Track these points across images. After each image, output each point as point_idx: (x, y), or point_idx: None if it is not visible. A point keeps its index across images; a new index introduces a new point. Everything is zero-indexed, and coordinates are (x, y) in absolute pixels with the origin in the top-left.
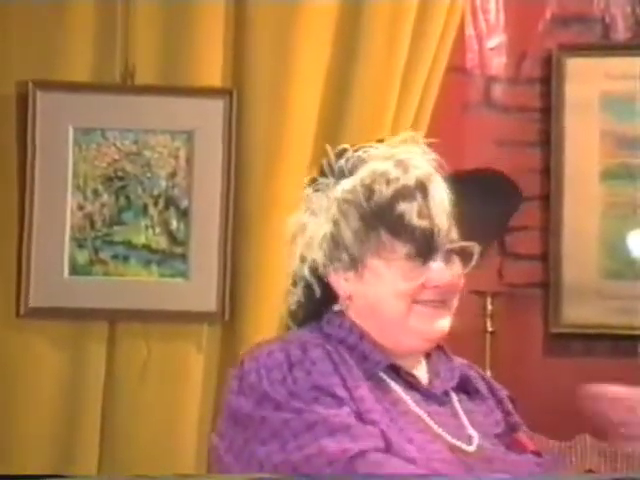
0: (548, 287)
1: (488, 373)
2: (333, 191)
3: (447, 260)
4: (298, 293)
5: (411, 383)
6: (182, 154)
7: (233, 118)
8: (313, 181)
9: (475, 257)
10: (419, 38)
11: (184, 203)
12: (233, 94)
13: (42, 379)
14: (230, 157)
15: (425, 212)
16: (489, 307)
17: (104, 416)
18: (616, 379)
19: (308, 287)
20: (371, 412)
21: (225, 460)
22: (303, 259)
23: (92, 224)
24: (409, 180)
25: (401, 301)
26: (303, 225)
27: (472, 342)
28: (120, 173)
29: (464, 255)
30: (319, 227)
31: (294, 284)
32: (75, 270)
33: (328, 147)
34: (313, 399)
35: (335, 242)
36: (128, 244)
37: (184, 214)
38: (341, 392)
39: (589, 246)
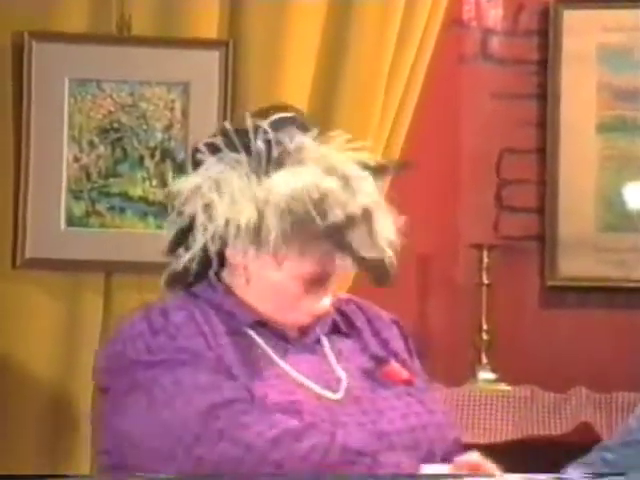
0: (544, 240)
1: (484, 326)
2: (255, 179)
3: None
4: (191, 257)
5: (280, 336)
6: (178, 106)
7: (229, 70)
8: (216, 149)
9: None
10: None
11: (180, 155)
12: (229, 46)
13: (38, 330)
14: (226, 109)
15: (368, 242)
16: (485, 260)
17: None
18: (612, 331)
19: (203, 253)
20: (233, 368)
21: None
22: (204, 227)
23: (88, 176)
24: (356, 207)
25: (299, 283)
26: (202, 194)
27: (468, 295)
28: (116, 125)
29: None
30: (234, 208)
31: (186, 248)
32: (71, 222)
33: (248, 116)
34: (180, 360)
35: (256, 231)
36: (125, 196)
37: (180, 166)
38: (206, 352)
39: (585, 199)
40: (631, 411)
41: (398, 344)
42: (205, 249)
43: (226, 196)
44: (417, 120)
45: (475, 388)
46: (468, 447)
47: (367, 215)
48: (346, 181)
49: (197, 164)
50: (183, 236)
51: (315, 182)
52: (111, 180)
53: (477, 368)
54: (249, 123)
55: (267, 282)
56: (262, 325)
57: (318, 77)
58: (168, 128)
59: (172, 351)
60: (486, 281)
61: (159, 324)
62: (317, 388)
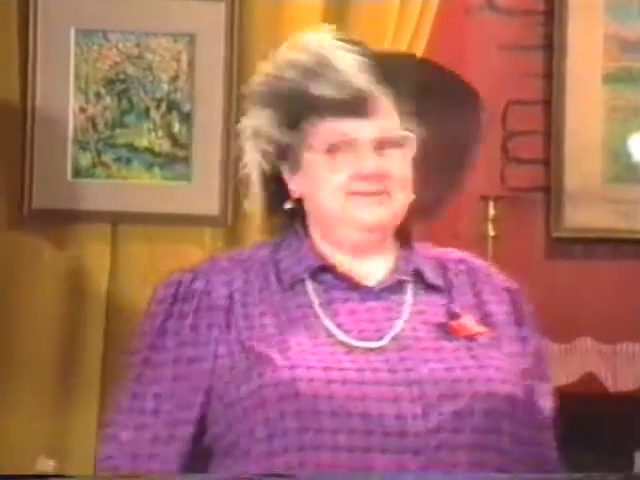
0: (550, 191)
1: None
2: None
3: (378, 148)
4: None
5: (347, 282)
6: (184, 57)
7: (235, 21)
8: (265, 76)
9: (413, 145)
10: None
11: (186, 106)
12: None
13: (45, 280)
14: (232, 60)
15: (333, 82)
16: (491, 211)
17: (108, 318)
18: (617, 282)
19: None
20: (252, 339)
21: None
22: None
23: (94, 127)
24: (309, 59)
25: (337, 195)
26: (258, 126)
27: (474, 246)
28: (122, 76)
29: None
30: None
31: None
32: (78, 173)
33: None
34: (177, 342)
35: (270, 138)
36: (131, 147)
37: (186, 117)
38: (215, 333)
39: (591, 150)
40: (636, 361)
41: (499, 308)
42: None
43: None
44: None
45: None
46: None
47: (322, 60)
48: (303, 47)
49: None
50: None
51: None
52: (117, 131)
53: None
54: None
55: (314, 201)
56: (330, 271)
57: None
58: (174, 79)
59: (180, 329)
60: (492, 232)
61: (183, 290)
62: (348, 339)
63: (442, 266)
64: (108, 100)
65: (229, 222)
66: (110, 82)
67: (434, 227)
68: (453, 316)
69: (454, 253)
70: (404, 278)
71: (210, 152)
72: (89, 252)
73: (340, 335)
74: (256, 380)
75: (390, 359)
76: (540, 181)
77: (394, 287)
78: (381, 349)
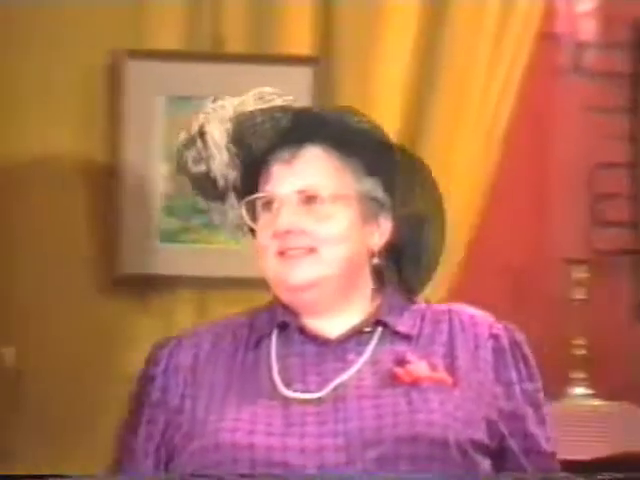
0: (638, 254)
1: (579, 341)
2: None
3: (303, 205)
4: None
5: (311, 337)
6: None
7: (321, 86)
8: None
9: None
10: (508, 3)
11: None
12: (321, 62)
13: (134, 345)
14: None
15: (202, 156)
16: (578, 275)
17: None
18: None
19: None
20: (200, 397)
21: None
22: None
23: (182, 192)
24: (194, 130)
25: (266, 256)
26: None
27: (562, 309)
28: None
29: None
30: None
31: None
32: (166, 238)
33: None
34: (149, 404)
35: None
36: None
37: None
38: (180, 389)
39: None
40: None
41: (474, 354)
42: None
43: None
44: (510, 134)
45: (569, 404)
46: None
47: (200, 133)
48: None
49: None
50: None
51: None
52: None
53: (571, 384)
54: None
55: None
56: (294, 326)
57: (408, 94)
58: None
59: (145, 396)
60: (579, 296)
61: (154, 356)
62: (287, 392)
63: (420, 316)
64: None
65: None
66: None
67: (521, 290)
68: (402, 363)
69: (445, 306)
70: (366, 329)
71: None
72: (177, 317)
73: (281, 388)
74: (191, 435)
75: (323, 411)
76: (627, 244)
77: (356, 338)
78: (318, 401)
